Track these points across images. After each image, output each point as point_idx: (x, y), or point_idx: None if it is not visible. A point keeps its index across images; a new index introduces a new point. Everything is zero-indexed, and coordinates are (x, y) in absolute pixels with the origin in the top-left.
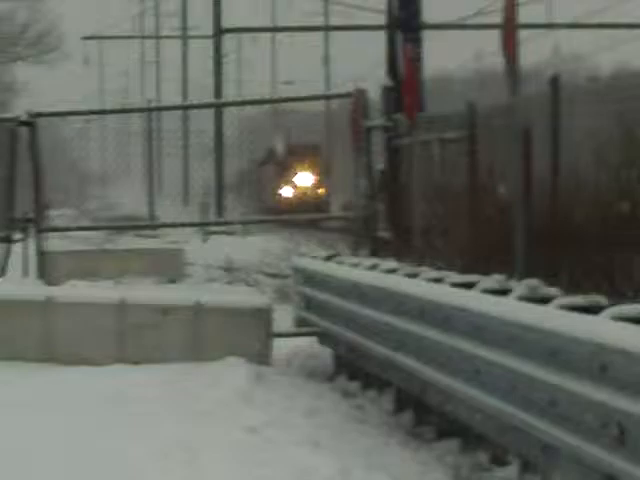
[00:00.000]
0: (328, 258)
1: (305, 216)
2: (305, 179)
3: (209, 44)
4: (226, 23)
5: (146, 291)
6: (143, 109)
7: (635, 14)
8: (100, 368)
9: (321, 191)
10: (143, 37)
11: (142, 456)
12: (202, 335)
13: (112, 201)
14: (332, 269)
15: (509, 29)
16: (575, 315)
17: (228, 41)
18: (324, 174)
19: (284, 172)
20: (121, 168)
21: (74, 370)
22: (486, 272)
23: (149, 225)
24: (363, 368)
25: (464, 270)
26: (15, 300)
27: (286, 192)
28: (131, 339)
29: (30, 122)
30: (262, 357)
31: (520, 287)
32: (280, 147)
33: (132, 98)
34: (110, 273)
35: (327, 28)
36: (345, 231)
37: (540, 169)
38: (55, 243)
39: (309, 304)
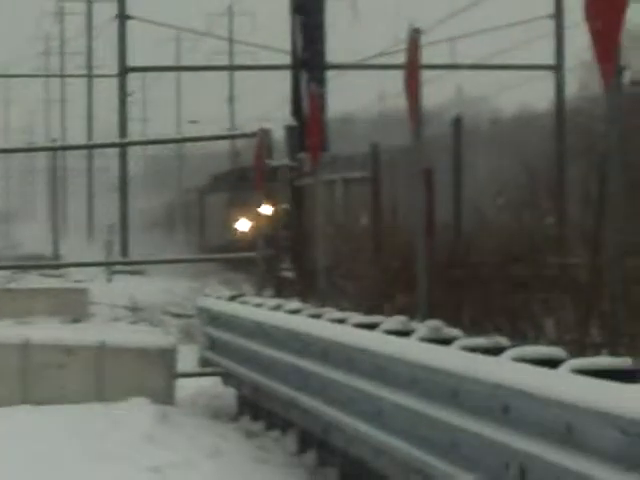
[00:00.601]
0: (232, 298)
1: (209, 256)
2: (265, 209)
3: (114, 82)
4: (131, 62)
5: (50, 331)
6: (47, 148)
7: (537, 56)
8: (3, 409)
9: None
10: (48, 76)
11: None
12: (106, 375)
13: (16, 240)
14: (236, 309)
15: (412, 70)
16: (477, 356)
17: (133, 80)
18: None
19: (237, 202)
20: (25, 206)
21: None
22: (389, 312)
23: (53, 264)
24: (266, 408)
25: (368, 311)
26: None
27: (242, 225)
28: (35, 379)
29: None
30: (166, 397)
31: (422, 328)
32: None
33: (37, 136)
34: (14, 313)
35: (232, 68)
36: (250, 271)
37: (442, 209)
38: None
39: (213, 344)
